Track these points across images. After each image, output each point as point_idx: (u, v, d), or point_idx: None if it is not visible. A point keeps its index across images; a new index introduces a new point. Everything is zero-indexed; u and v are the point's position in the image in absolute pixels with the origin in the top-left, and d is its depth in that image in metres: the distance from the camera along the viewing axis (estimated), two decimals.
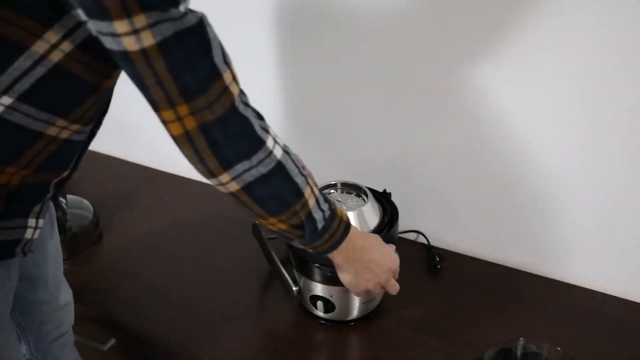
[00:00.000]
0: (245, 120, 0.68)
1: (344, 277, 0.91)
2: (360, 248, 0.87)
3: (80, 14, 0.62)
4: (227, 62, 0.66)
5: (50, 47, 0.64)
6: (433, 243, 1.27)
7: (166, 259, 1.27)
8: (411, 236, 1.31)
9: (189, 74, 0.62)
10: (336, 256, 0.86)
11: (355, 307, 1.06)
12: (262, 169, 0.71)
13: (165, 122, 0.66)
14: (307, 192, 0.76)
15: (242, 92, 0.69)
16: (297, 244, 0.82)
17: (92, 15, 0.59)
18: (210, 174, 0.70)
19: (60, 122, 0.70)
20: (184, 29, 0.61)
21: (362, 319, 1.08)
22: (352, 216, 1.00)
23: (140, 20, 0.58)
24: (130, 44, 0.59)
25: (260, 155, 0.70)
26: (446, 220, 1.29)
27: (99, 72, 0.70)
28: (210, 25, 0.64)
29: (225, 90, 0.66)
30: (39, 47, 0.64)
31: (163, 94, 0.63)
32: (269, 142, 0.71)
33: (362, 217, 1.01)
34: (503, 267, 1.23)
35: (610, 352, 1.02)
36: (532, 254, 1.21)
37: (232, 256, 1.26)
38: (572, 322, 1.08)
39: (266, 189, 0.73)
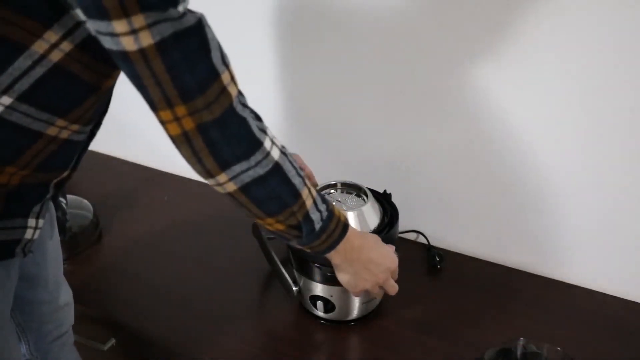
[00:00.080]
0: (243, 121, 0.69)
1: (342, 277, 0.91)
2: (359, 248, 0.87)
3: (79, 13, 0.62)
4: (225, 62, 0.66)
5: (49, 46, 0.64)
6: (433, 243, 1.27)
7: (166, 259, 1.27)
8: (411, 236, 1.31)
9: (188, 75, 0.62)
10: (334, 256, 0.86)
11: (355, 307, 1.06)
12: (260, 170, 0.71)
13: (163, 122, 0.66)
14: (304, 193, 0.76)
15: (240, 93, 0.70)
16: (294, 244, 0.83)
17: (90, 15, 0.59)
18: (207, 174, 0.70)
19: (60, 122, 0.70)
20: (182, 29, 0.61)
21: (362, 319, 1.08)
22: (352, 216, 1.00)
23: (138, 20, 0.58)
24: (128, 43, 0.59)
25: (258, 156, 0.70)
26: (446, 220, 1.29)
27: (98, 72, 0.70)
28: (209, 26, 0.65)
29: (224, 90, 0.66)
30: (39, 47, 0.64)
31: (161, 94, 0.63)
32: (267, 143, 0.71)
33: (362, 217, 1.01)
34: (503, 267, 1.23)
35: (610, 352, 1.02)
36: (532, 254, 1.21)
37: (232, 256, 1.26)
38: (572, 322, 1.08)
39: (264, 189, 0.73)
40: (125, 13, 0.57)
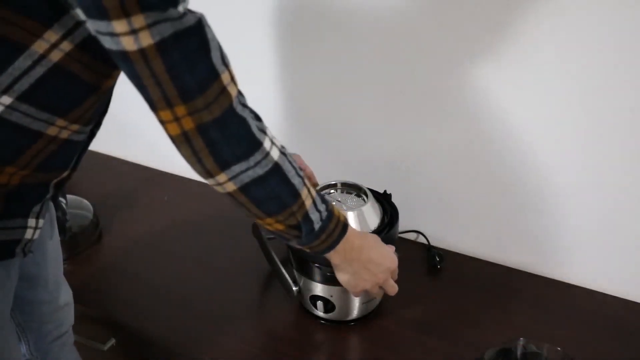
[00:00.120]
0: (243, 121, 0.69)
1: (342, 277, 0.91)
2: (359, 248, 0.87)
3: (79, 13, 0.62)
4: (225, 62, 0.66)
5: (50, 46, 0.64)
6: (433, 243, 1.27)
7: (166, 259, 1.27)
8: (411, 236, 1.31)
9: (188, 75, 0.62)
10: (334, 256, 0.86)
11: (355, 307, 1.06)
12: (259, 170, 0.71)
13: (163, 122, 0.66)
14: (304, 193, 0.76)
15: (240, 93, 0.70)
16: (294, 244, 0.83)
17: (90, 14, 0.59)
18: (207, 174, 0.70)
19: (60, 122, 0.70)
20: (182, 30, 0.61)
21: (362, 319, 1.08)
22: (352, 216, 1.00)
23: (138, 20, 0.58)
24: (128, 43, 0.59)
25: (258, 156, 0.70)
26: (446, 220, 1.29)
27: (98, 72, 0.70)
28: (209, 26, 0.64)
29: (224, 90, 0.66)
30: (39, 46, 0.64)
31: (161, 94, 0.63)
32: (266, 144, 0.71)
33: (362, 217, 1.01)
34: (503, 267, 1.23)
35: (610, 352, 1.02)
36: (532, 254, 1.21)
37: (232, 256, 1.26)
38: (572, 322, 1.08)
39: (263, 190, 0.73)
40: (125, 13, 0.57)
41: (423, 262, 1.24)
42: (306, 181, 0.78)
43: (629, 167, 1.05)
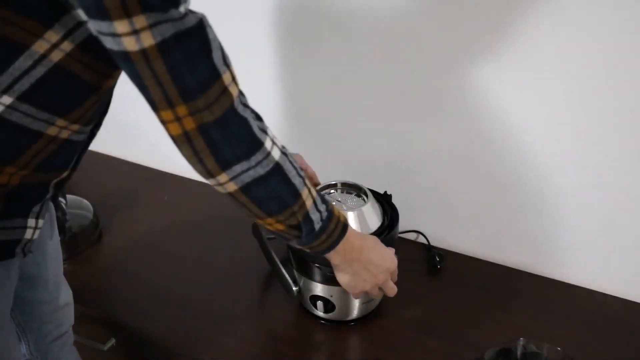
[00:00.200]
0: (244, 121, 0.69)
1: (341, 277, 0.91)
2: (358, 248, 0.87)
3: (81, 14, 0.62)
4: (226, 63, 0.66)
5: (50, 46, 0.64)
6: (433, 243, 1.27)
7: (166, 259, 1.27)
8: (411, 236, 1.31)
9: (189, 75, 0.62)
10: (334, 256, 0.86)
11: (355, 307, 1.06)
12: (260, 170, 0.71)
13: (164, 123, 0.66)
14: (304, 193, 0.77)
15: (241, 93, 0.70)
16: (294, 244, 0.83)
17: (92, 15, 0.59)
18: (208, 174, 0.70)
19: (60, 122, 0.70)
20: (184, 30, 0.61)
21: (362, 319, 1.08)
22: (352, 216, 1.00)
23: (140, 20, 0.58)
24: (130, 44, 0.59)
25: (259, 156, 0.70)
26: (446, 220, 1.29)
27: (99, 72, 0.70)
28: (210, 26, 0.65)
29: (225, 91, 0.66)
30: (39, 46, 0.64)
31: (162, 94, 0.63)
32: (267, 144, 0.71)
33: (362, 217, 1.00)
34: (503, 267, 1.23)
35: (610, 352, 1.02)
36: (532, 254, 1.21)
37: (232, 256, 1.26)
38: (572, 322, 1.08)
39: (264, 189, 0.73)
40: (126, 13, 0.57)
41: (423, 262, 1.24)
42: (307, 181, 0.78)
43: (629, 167, 1.05)
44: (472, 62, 1.10)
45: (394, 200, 1.09)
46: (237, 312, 1.12)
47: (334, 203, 1.02)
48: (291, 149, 0.81)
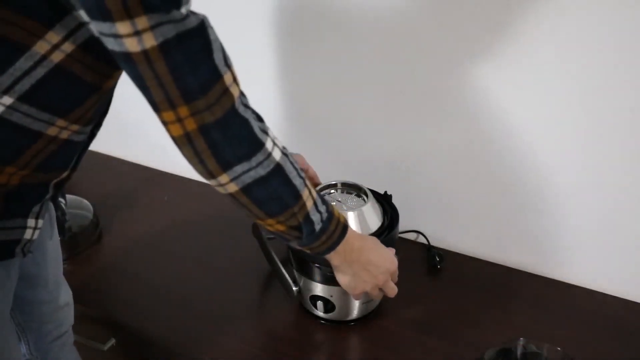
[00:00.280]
0: (245, 122, 0.69)
1: (341, 278, 0.91)
2: (358, 249, 0.87)
3: (82, 15, 0.62)
4: (227, 64, 0.66)
5: (51, 47, 0.64)
6: (433, 243, 1.27)
7: (166, 259, 1.27)
8: (411, 236, 1.31)
9: (190, 76, 0.62)
10: (334, 257, 0.86)
11: (355, 307, 1.06)
12: (261, 171, 0.71)
13: (165, 123, 0.66)
14: (305, 194, 0.77)
15: (242, 94, 0.70)
16: (294, 245, 0.83)
17: (94, 16, 0.59)
18: (209, 174, 0.70)
19: (61, 123, 0.70)
20: (185, 31, 0.61)
21: (362, 319, 1.08)
22: (352, 216, 1.00)
23: (142, 21, 0.58)
24: (132, 45, 0.59)
25: (259, 157, 0.70)
26: (446, 220, 1.29)
27: (99, 72, 0.70)
28: (211, 27, 0.65)
29: (226, 91, 0.66)
30: (40, 47, 0.64)
31: (164, 95, 0.63)
32: (268, 144, 0.71)
33: (362, 217, 1.00)
34: (503, 267, 1.23)
35: (610, 352, 1.02)
36: (532, 254, 1.21)
37: (232, 256, 1.26)
38: (572, 322, 1.08)
39: (265, 190, 0.73)
40: (128, 15, 0.57)
41: (423, 262, 1.24)
42: (307, 182, 0.78)
43: (629, 167, 1.05)
44: (472, 62, 1.10)
45: (394, 200, 1.09)
46: (237, 312, 1.12)
47: (334, 203, 1.02)
48: (291, 149, 0.81)
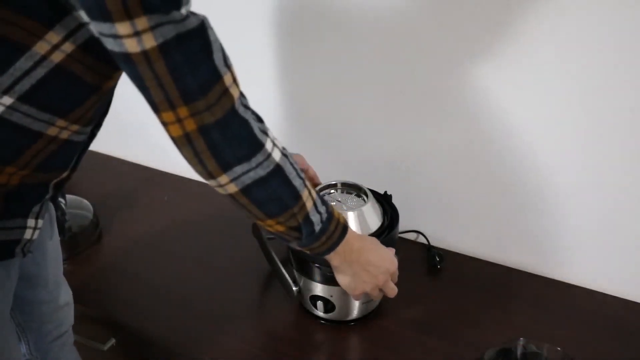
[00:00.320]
0: (245, 122, 0.69)
1: (341, 279, 0.91)
2: (358, 250, 0.87)
3: (82, 15, 0.62)
4: (227, 64, 0.66)
5: (51, 47, 0.64)
6: (433, 243, 1.27)
7: (166, 259, 1.27)
8: (411, 236, 1.31)
9: (190, 76, 0.62)
10: (334, 258, 0.86)
11: (355, 307, 1.06)
12: (261, 172, 0.71)
13: (165, 124, 0.66)
14: (304, 194, 0.77)
15: (242, 95, 0.70)
16: (294, 245, 0.83)
17: (94, 17, 0.59)
18: (209, 175, 0.70)
19: (60, 123, 0.70)
20: (185, 32, 0.61)
21: (362, 319, 1.08)
22: (352, 216, 1.00)
23: (142, 22, 0.58)
24: (131, 45, 0.59)
25: (259, 157, 0.70)
26: (446, 220, 1.29)
27: (100, 73, 0.70)
28: (211, 28, 0.65)
29: (226, 92, 0.66)
30: (40, 47, 0.64)
31: (163, 95, 0.63)
32: (268, 145, 0.71)
33: (362, 217, 1.00)
34: (503, 267, 1.23)
35: (610, 352, 1.02)
36: (532, 254, 1.21)
37: (232, 256, 1.26)
38: (572, 322, 1.08)
39: (265, 191, 0.73)
40: (128, 15, 0.57)
41: (423, 262, 1.24)
42: (307, 183, 0.78)
43: (629, 167, 1.05)
44: (472, 62, 1.10)
45: (394, 200, 1.09)
46: (237, 312, 1.12)
47: (334, 203, 1.03)
48: (291, 149, 0.81)
